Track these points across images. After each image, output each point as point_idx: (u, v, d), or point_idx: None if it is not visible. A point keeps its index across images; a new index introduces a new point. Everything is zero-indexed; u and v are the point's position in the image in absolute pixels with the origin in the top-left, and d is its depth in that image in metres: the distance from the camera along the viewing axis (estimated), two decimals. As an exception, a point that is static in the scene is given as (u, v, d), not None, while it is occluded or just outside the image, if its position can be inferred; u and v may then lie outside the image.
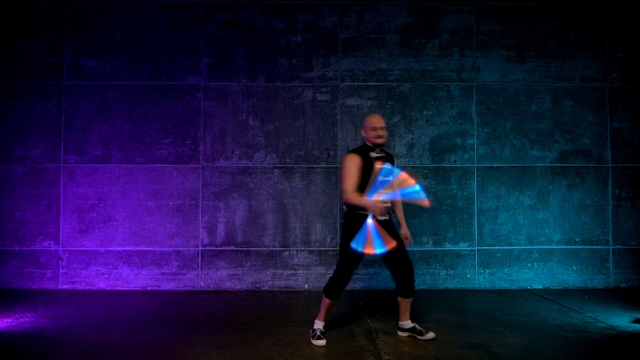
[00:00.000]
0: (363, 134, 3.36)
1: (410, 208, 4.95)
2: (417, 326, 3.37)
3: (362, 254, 3.16)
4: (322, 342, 3.22)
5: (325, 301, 3.29)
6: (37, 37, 4.94)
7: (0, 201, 4.85)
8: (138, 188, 4.90)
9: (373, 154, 3.25)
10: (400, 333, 3.42)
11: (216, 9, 5.00)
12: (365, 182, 3.13)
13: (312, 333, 3.30)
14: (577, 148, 5.04)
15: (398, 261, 3.27)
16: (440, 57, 5.05)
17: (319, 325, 3.32)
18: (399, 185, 3.12)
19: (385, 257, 3.27)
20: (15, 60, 4.93)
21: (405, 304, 3.37)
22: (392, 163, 3.28)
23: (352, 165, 3.18)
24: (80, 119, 4.92)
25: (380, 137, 3.25)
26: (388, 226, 3.25)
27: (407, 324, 3.39)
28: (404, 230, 3.47)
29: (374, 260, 4.92)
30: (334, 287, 3.24)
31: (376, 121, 3.27)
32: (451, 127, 5.02)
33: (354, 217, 3.20)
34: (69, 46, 4.95)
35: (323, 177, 4.95)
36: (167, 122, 4.94)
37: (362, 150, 3.27)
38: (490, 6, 5.08)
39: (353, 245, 3.09)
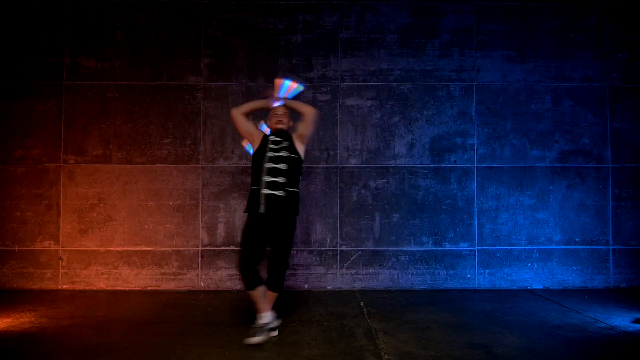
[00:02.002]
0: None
1: (411, 208, 4.97)
2: (272, 322, 3.42)
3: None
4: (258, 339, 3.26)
5: (249, 295, 3.40)
6: (37, 37, 4.94)
7: (0, 201, 4.85)
8: (138, 188, 4.90)
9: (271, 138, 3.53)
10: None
11: (216, 9, 5.00)
12: (261, 156, 3.42)
13: (255, 330, 3.31)
14: (577, 148, 5.04)
15: (273, 255, 3.38)
16: (440, 57, 5.05)
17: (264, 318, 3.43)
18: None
19: (270, 248, 3.41)
20: (15, 60, 4.93)
21: (269, 296, 3.43)
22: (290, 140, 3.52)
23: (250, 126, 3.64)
24: (80, 119, 4.92)
25: (280, 122, 3.55)
26: (278, 222, 3.34)
27: (268, 315, 3.40)
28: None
29: (373, 260, 4.92)
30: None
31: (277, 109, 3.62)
32: (451, 127, 5.02)
33: (250, 194, 3.44)
34: (69, 46, 4.95)
35: (323, 177, 4.95)
36: (167, 122, 4.94)
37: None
38: (490, 6, 5.08)
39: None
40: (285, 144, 3.45)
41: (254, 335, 3.22)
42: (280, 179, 3.33)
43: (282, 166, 3.36)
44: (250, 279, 3.28)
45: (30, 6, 4.95)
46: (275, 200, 3.29)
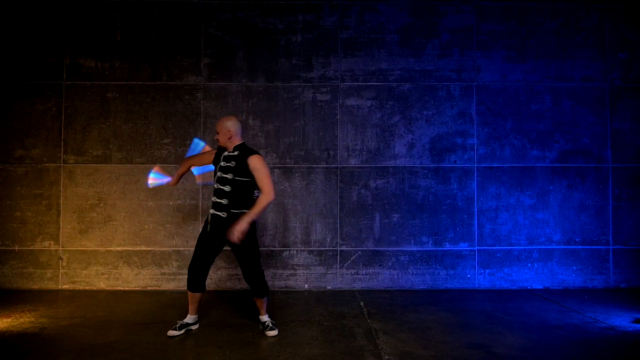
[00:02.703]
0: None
1: (411, 208, 4.97)
2: (269, 322, 3.51)
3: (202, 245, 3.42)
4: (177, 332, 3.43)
5: (188, 293, 3.50)
6: (37, 37, 4.94)
7: (0, 201, 4.85)
8: (138, 188, 4.90)
9: (225, 153, 3.46)
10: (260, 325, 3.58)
11: (216, 9, 4.99)
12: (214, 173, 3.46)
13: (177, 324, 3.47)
14: (577, 148, 5.03)
15: (239, 262, 3.43)
16: (440, 57, 5.05)
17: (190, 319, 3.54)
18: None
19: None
20: (15, 60, 4.93)
21: (257, 302, 3.54)
22: (239, 162, 3.35)
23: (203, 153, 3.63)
24: (80, 119, 4.92)
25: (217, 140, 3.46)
26: (223, 223, 3.34)
27: (262, 318, 3.55)
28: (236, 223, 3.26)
29: (373, 260, 4.92)
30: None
31: (217, 125, 3.47)
32: (451, 127, 5.02)
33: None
34: (69, 46, 4.95)
35: (323, 177, 4.95)
36: (167, 122, 4.94)
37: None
38: (490, 6, 5.08)
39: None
40: (232, 163, 3.36)
41: (174, 329, 3.43)
42: (223, 201, 3.34)
43: (226, 188, 3.34)
44: (192, 281, 3.41)
45: (30, 6, 4.95)
46: (218, 220, 3.36)
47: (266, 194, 3.29)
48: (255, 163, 3.31)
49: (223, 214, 3.33)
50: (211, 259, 3.43)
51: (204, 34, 4.99)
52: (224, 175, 3.35)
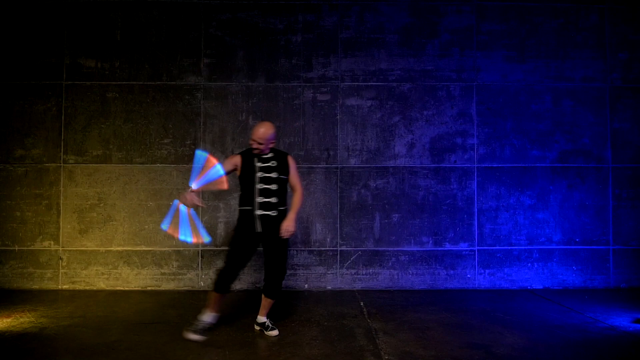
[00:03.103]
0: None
1: (411, 208, 4.97)
2: (268, 322, 3.49)
3: (248, 247, 3.39)
4: (198, 337, 3.33)
5: (214, 295, 3.42)
6: (37, 37, 4.94)
7: (0, 201, 4.85)
8: (138, 188, 4.90)
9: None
10: (255, 326, 3.57)
11: (216, 9, 4.99)
12: (246, 180, 3.38)
13: (197, 325, 3.40)
14: (577, 148, 5.03)
15: (270, 260, 3.41)
16: (440, 57, 5.05)
17: (209, 318, 3.46)
18: (206, 170, 3.33)
19: (264, 253, 3.46)
20: (15, 60, 4.93)
21: (265, 302, 3.50)
22: (281, 161, 3.43)
23: (227, 161, 3.43)
24: (80, 119, 4.92)
25: (255, 149, 3.38)
26: (274, 222, 3.36)
27: (261, 319, 3.52)
28: (285, 221, 3.40)
29: (374, 260, 4.92)
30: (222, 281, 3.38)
31: (254, 132, 3.37)
32: (451, 127, 5.02)
33: (239, 213, 3.44)
34: (69, 46, 4.95)
35: (323, 177, 4.95)
36: (167, 122, 4.94)
37: (247, 152, 3.48)
38: (490, 6, 5.08)
39: (162, 225, 3.29)
40: (272, 163, 3.40)
41: (195, 332, 3.34)
42: (273, 199, 3.36)
43: (273, 187, 3.37)
44: (224, 285, 3.38)
45: (30, 6, 4.95)
46: (268, 219, 3.35)
47: (301, 191, 3.52)
48: (293, 162, 3.52)
49: (273, 213, 3.34)
50: (250, 259, 3.50)
51: (204, 34, 4.99)
52: (268, 175, 3.36)
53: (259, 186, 3.35)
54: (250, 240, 3.39)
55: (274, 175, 3.37)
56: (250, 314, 3.94)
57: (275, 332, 3.43)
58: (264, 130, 3.34)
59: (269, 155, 3.43)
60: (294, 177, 3.49)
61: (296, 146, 4.95)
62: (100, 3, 4.98)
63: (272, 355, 3.02)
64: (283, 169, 3.42)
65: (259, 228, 3.34)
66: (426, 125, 5.02)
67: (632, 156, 5.03)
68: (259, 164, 3.38)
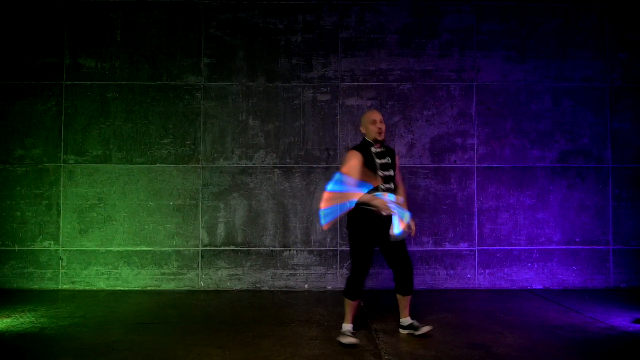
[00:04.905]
0: (362, 130, 3.44)
1: (411, 208, 4.95)
2: (415, 322, 3.40)
3: (371, 247, 3.28)
4: (353, 339, 3.19)
5: (350, 303, 3.32)
6: (37, 37, 4.94)
7: (0, 201, 4.85)
8: (138, 188, 4.90)
9: (373, 149, 3.34)
10: (401, 330, 3.46)
11: (216, 9, 5.00)
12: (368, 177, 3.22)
13: (342, 336, 3.25)
14: (577, 148, 5.03)
15: (397, 258, 3.32)
16: (440, 57, 5.05)
17: (347, 327, 3.32)
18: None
19: (386, 254, 3.35)
20: (15, 60, 4.93)
21: (404, 302, 3.41)
22: (393, 158, 3.40)
23: (355, 161, 3.22)
24: (80, 119, 4.92)
25: (380, 131, 3.32)
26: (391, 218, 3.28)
27: (406, 320, 3.43)
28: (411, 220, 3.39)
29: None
30: (353, 287, 3.29)
31: (376, 116, 3.36)
32: (451, 127, 5.02)
33: (360, 213, 3.25)
34: (69, 46, 4.95)
35: (323, 177, 4.94)
36: (167, 122, 4.94)
37: (363, 147, 3.34)
38: (490, 6, 5.08)
39: (394, 231, 3.20)
40: (387, 159, 3.34)
41: (350, 335, 3.24)
42: (392, 185, 3.32)
43: (392, 185, 3.32)
44: (360, 291, 3.31)
45: (30, 6, 4.95)
46: (389, 216, 3.25)
47: (404, 188, 3.49)
48: (398, 157, 3.49)
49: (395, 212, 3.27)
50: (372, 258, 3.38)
51: (204, 34, 4.99)
52: (387, 173, 3.30)
53: (383, 186, 3.25)
54: (375, 239, 3.29)
55: (391, 173, 3.31)
56: (250, 314, 3.94)
57: (428, 328, 3.35)
58: (380, 115, 3.34)
59: (382, 149, 3.36)
60: (399, 173, 3.47)
61: (296, 146, 4.95)
62: (100, 3, 4.98)
63: (272, 355, 3.01)
64: (394, 164, 3.38)
65: (386, 225, 3.23)
66: (426, 125, 5.02)
67: (632, 156, 5.03)
68: (379, 161, 3.29)
